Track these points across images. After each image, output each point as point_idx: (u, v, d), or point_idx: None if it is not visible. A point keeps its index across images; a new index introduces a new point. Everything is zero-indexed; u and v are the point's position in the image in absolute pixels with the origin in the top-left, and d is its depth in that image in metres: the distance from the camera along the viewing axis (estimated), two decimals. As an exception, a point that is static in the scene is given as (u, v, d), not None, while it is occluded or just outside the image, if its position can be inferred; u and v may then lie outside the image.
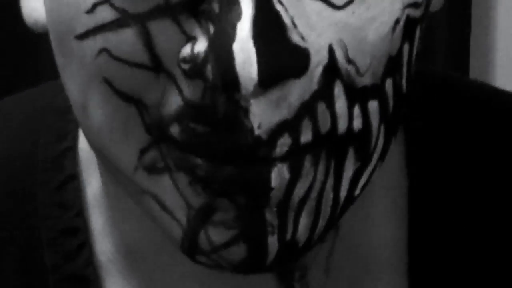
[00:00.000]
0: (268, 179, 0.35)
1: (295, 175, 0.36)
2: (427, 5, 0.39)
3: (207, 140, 0.35)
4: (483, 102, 0.51)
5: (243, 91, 0.32)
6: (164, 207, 0.38)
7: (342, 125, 0.36)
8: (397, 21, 0.36)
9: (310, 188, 0.37)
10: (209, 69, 0.33)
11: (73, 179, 0.46)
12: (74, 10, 0.36)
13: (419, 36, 0.39)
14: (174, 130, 0.36)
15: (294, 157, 0.36)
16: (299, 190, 0.36)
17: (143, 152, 0.37)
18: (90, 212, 0.46)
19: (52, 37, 0.39)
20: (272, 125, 0.34)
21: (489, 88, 0.56)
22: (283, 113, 0.34)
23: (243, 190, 0.36)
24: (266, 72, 0.32)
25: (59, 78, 0.40)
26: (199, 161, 0.35)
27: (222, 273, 0.39)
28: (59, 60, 0.39)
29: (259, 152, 0.35)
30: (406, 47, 0.37)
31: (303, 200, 0.37)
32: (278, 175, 0.35)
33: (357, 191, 0.39)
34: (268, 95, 0.33)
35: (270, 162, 0.35)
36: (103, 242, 0.46)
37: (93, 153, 0.42)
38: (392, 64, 0.37)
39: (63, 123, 0.48)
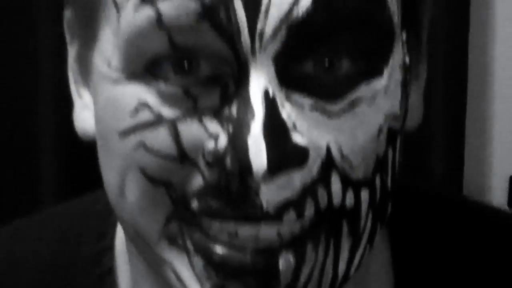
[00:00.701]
0: (276, 266, 0.43)
1: (300, 260, 0.43)
2: (404, 118, 0.48)
3: (222, 212, 0.43)
4: (460, 214, 0.59)
5: (255, 177, 0.40)
6: (179, 279, 0.45)
7: (337, 202, 0.44)
8: (381, 129, 0.44)
9: (312, 269, 0.44)
10: (228, 159, 0.41)
11: (110, 273, 0.55)
12: (120, 113, 0.44)
13: (399, 147, 0.47)
14: (194, 204, 0.44)
15: (297, 244, 0.43)
16: (305, 273, 0.43)
17: (168, 220, 0.44)
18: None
19: (98, 139, 0.48)
20: (278, 203, 0.42)
21: (471, 204, 0.64)
22: (288, 193, 0.42)
23: (254, 276, 0.43)
24: (273, 162, 0.40)
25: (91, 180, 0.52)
26: (216, 248, 0.43)
27: None
28: (102, 156, 0.47)
29: (265, 217, 0.42)
30: (390, 152, 0.46)
31: (307, 281, 0.44)
32: (285, 261, 0.43)
33: (353, 269, 0.46)
34: (275, 179, 0.41)
35: (277, 251, 0.43)
36: None
37: (125, 250, 0.53)
38: (380, 164, 0.45)
39: (103, 226, 0.57)
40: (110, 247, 0.56)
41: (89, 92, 0.51)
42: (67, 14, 0.53)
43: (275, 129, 0.41)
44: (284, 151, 0.41)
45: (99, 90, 0.47)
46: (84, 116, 0.51)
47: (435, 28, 1.23)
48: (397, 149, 0.47)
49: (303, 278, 0.44)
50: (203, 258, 0.44)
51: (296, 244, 0.43)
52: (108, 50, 0.45)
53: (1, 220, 1.23)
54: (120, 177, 0.45)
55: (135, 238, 0.47)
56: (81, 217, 0.59)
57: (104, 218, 0.57)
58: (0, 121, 1.22)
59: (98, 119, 0.47)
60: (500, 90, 1.33)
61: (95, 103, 0.48)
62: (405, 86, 0.47)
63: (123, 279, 0.55)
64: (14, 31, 1.21)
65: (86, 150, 1.30)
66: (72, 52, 0.54)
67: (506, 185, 1.34)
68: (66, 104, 1.22)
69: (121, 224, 0.49)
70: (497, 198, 1.34)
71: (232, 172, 0.41)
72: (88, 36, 0.48)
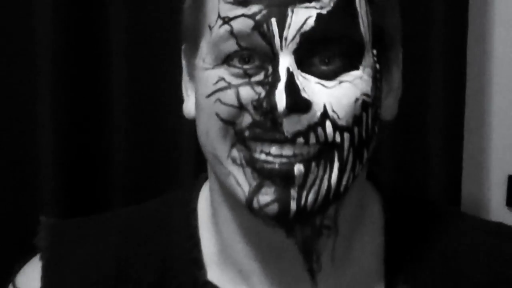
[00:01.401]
0: (292, 172, 0.74)
1: (307, 170, 0.75)
2: (375, 98, 0.78)
3: (261, 136, 0.75)
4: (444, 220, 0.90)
5: (279, 112, 0.72)
6: (237, 182, 0.77)
7: (330, 138, 0.75)
8: (357, 99, 0.75)
9: (315, 179, 0.75)
10: (264, 102, 0.73)
11: (195, 229, 0.87)
12: (208, 83, 0.77)
13: (372, 115, 0.77)
14: (246, 133, 0.76)
15: (305, 161, 0.75)
16: (310, 179, 0.75)
17: (232, 146, 0.76)
18: (202, 233, 0.87)
19: (196, 110, 0.81)
20: (293, 131, 0.74)
21: (458, 215, 0.95)
22: (299, 127, 0.74)
23: (279, 177, 0.74)
24: (289, 104, 0.72)
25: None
26: (258, 160, 0.75)
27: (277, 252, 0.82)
28: (197, 117, 0.81)
29: (285, 142, 0.74)
30: (364, 114, 0.76)
31: (312, 185, 0.75)
32: (298, 169, 0.74)
33: (341, 189, 0.77)
34: (291, 116, 0.73)
35: (293, 162, 0.74)
36: (209, 248, 0.86)
37: (204, 210, 0.87)
38: (357, 119, 0.75)
39: (190, 199, 0.89)
40: (195, 210, 0.88)
41: (193, 88, 0.83)
42: (183, 46, 0.86)
43: (292, 87, 0.73)
44: (296, 99, 0.73)
45: (198, 77, 0.80)
46: (189, 105, 0.85)
47: (434, 28, 1.23)
48: (370, 115, 0.77)
49: (309, 182, 0.75)
50: (251, 168, 0.75)
51: (305, 161, 0.74)
52: (203, 52, 0.79)
53: (1, 219, 1.23)
54: (206, 123, 0.78)
55: (213, 161, 0.79)
56: (170, 199, 0.91)
57: (188, 201, 0.89)
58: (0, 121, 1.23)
59: (196, 96, 0.81)
60: (499, 89, 1.33)
61: (196, 87, 0.81)
62: (375, 79, 0.77)
63: (203, 224, 0.87)
64: (13, 31, 1.21)
65: (85, 150, 1.30)
66: (185, 68, 0.86)
67: (504, 184, 1.34)
68: (65, 104, 1.23)
69: (206, 155, 0.80)
70: (496, 197, 1.34)
71: (266, 109, 0.73)
72: (193, 52, 0.81)
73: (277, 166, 0.74)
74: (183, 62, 0.86)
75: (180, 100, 0.88)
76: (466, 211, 1.28)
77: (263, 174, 0.75)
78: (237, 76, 0.76)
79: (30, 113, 1.20)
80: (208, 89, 0.77)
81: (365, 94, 0.76)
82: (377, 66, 0.78)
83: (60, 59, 1.19)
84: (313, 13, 0.74)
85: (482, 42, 1.31)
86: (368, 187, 0.89)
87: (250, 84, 0.75)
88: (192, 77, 0.83)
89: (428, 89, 1.25)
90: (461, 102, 1.25)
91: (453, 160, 1.25)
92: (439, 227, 0.88)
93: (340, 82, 0.75)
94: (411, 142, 1.27)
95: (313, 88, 0.74)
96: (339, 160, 0.75)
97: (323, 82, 0.74)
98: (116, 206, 1.21)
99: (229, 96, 0.75)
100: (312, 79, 0.74)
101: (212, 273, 0.85)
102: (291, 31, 0.73)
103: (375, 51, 0.78)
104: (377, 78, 0.78)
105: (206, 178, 0.89)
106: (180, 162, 1.22)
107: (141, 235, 0.88)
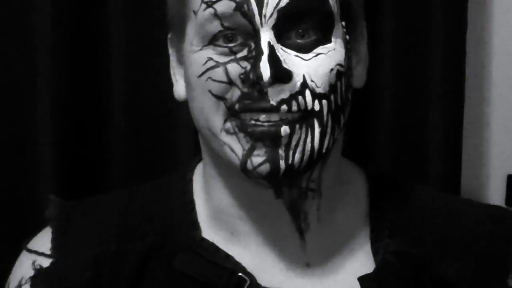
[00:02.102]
0: (280, 132, 0.82)
1: (292, 131, 0.83)
2: (348, 68, 0.87)
3: (250, 107, 0.83)
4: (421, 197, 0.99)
5: (264, 82, 0.81)
6: (232, 150, 0.84)
7: (309, 106, 0.83)
8: (332, 69, 0.84)
9: (299, 140, 0.83)
10: (251, 74, 0.82)
11: (191, 196, 0.96)
12: (197, 64, 0.85)
13: (345, 83, 0.86)
14: (237, 106, 0.83)
15: (291, 123, 0.83)
16: (294, 139, 0.83)
17: (225, 121, 0.84)
18: (197, 200, 0.95)
19: (187, 91, 0.90)
20: (278, 99, 0.82)
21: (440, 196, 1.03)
22: (282, 95, 0.83)
23: (268, 138, 0.82)
24: (273, 74, 0.81)
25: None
26: (249, 124, 0.83)
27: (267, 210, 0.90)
28: (189, 96, 0.89)
29: (272, 109, 0.82)
30: (338, 82, 0.85)
31: (296, 145, 0.83)
32: (284, 130, 0.82)
33: (324, 150, 0.85)
34: (275, 86, 0.82)
35: (280, 124, 0.82)
36: (203, 213, 0.94)
37: (198, 181, 0.97)
38: (332, 87, 0.85)
39: (186, 172, 0.98)
40: (191, 180, 0.97)
41: (181, 73, 0.91)
42: (169, 35, 0.94)
43: (274, 59, 0.81)
44: (278, 69, 0.81)
45: (187, 59, 0.88)
46: (179, 88, 0.93)
47: (433, 26, 1.23)
48: (344, 83, 0.86)
49: (293, 142, 0.83)
50: (243, 133, 0.83)
51: (290, 123, 0.83)
52: (190, 35, 0.87)
53: (1, 219, 1.23)
54: (200, 100, 0.85)
55: (208, 134, 0.86)
56: (170, 176, 1.00)
57: (184, 173, 0.98)
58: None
59: (186, 77, 0.88)
60: (498, 88, 1.33)
61: (185, 71, 0.89)
62: (347, 49, 0.87)
63: (197, 191, 0.96)
64: (12, 29, 1.21)
65: (84, 150, 1.30)
66: (172, 56, 0.94)
67: (503, 183, 1.34)
68: (64, 104, 1.23)
69: (201, 131, 0.88)
70: (495, 196, 1.35)
71: (253, 80, 0.81)
72: (180, 38, 0.89)
73: (266, 128, 0.82)
74: (170, 50, 0.94)
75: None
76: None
77: (254, 137, 0.83)
78: (223, 54, 0.84)
79: (29, 113, 1.20)
80: (199, 70, 0.85)
81: (339, 64, 0.85)
82: (347, 37, 0.87)
83: (59, 58, 1.19)
84: None
85: (481, 40, 1.31)
86: (349, 163, 0.99)
87: (236, 60, 0.83)
88: (180, 62, 0.91)
89: (427, 88, 1.25)
90: (460, 100, 1.25)
91: (452, 160, 1.25)
92: (418, 195, 0.98)
93: (317, 54, 0.84)
94: (410, 140, 1.27)
95: (293, 61, 0.83)
96: (319, 125, 0.84)
97: (301, 55, 0.83)
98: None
99: (218, 73, 0.83)
100: (292, 52, 0.83)
101: (207, 234, 0.93)
102: (269, 9, 0.82)
103: (343, 23, 0.87)
104: (348, 49, 0.87)
105: (200, 158, 0.96)
106: (178, 161, 1.22)
107: (144, 204, 0.97)
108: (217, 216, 0.93)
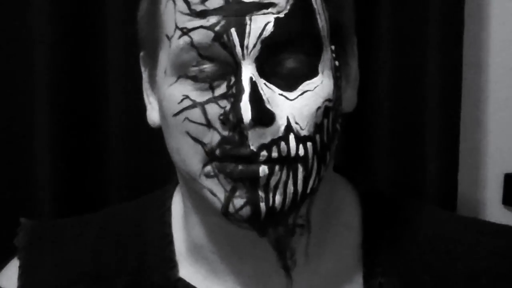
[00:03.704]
0: (257, 172, 0.75)
1: (271, 172, 0.75)
2: (336, 99, 0.79)
3: (230, 153, 0.75)
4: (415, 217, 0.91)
5: (245, 124, 0.73)
6: (212, 193, 0.77)
7: (293, 152, 0.76)
8: (319, 108, 0.76)
9: (278, 182, 0.76)
10: (230, 115, 0.74)
11: (168, 228, 0.89)
12: (173, 103, 0.77)
13: (332, 118, 0.78)
14: (217, 152, 0.76)
15: (270, 163, 0.75)
16: (273, 180, 0.76)
17: (204, 165, 0.77)
18: (176, 232, 0.89)
19: (162, 123, 0.82)
20: (258, 145, 0.75)
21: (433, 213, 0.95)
22: (263, 141, 0.75)
23: (247, 178, 0.75)
24: (255, 115, 0.73)
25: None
26: (229, 166, 0.75)
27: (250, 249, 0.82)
28: (165, 132, 0.81)
29: (252, 157, 0.75)
30: (325, 121, 0.77)
31: (276, 187, 0.76)
32: (263, 170, 0.75)
33: (308, 191, 0.78)
34: (256, 129, 0.74)
35: (259, 164, 0.75)
36: (182, 246, 0.87)
37: (177, 210, 0.89)
38: (318, 127, 0.77)
39: (164, 199, 0.92)
40: (169, 209, 0.90)
41: (155, 97, 0.84)
42: (142, 54, 0.87)
43: (256, 98, 0.73)
44: (260, 111, 0.73)
45: (161, 92, 0.80)
46: (153, 114, 0.85)
47: (430, 27, 1.23)
48: (331, 119, 0.78)
49: (272, 183, 0.75)
50: (224, 174, 0.76)
51: (268, 163, 0.75)
52: (163, 64, 0.79)
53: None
54: (176, 141, 0.78)
55: (186, 177, 0.80)
56: (146, 200, 0.94)
57: (164, 200, 0.91)
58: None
59: (161, 109, 0.81)
60: (495, 87, 1.33)
61: (159, 101, 0.81)
62: (336, 78, 0.79)
63: (175, 224, 0.88)
64: (10, 27, 1.21)
65: (82, 151, 1.30)
66: (145, 76, 0.87)
67: (501, 182, 1.34)
68: (61, 102, 1.23)
69: (178, 170, 0.82)
70: (492, 195, 1.35)
71: (233, 122, 0.74)
72: (153, 61, 0.82)
73: (245, 168, 0.75)
74: (142, 69, 0.87)
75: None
76: (462, 209, 1.29)
77: (234, 177, 0.75)
78: (200, 89, 0.76)
79: (26, 112, 1.20)
80: (174, 108, 0.77)
81: (327, 100, 0.77)
82: (336, 63, 0.79)
83: (56, 56, 1.19)
84: (271, 18, 0.74)
85: (478, 41, 1.31)
86: (342, 184, 0.90)
87: (214, 100, 0.75)
88: (153, 87, 0.83)
89: (424, 87, 1.25)
90: (457, 100, 1.25)
91: (449, 159, 1.26)
92: (415, 222, 0.90)
93: (302, 92, 0.76)
94: (407, 140, 1.27)
95: (277, 101, 0.75)
96: (304, 170, 0.76)
97: (286, 93, 0.75)
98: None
99: (196, 114, 0.76)
100: (276, 90, 0.75)
101: (186, 271, 0.86)
102: (251, 39, 0.74)
103: (333, 47, 0.79)
104: (338, 77, 0.79)
105: (177, 182, 0.90)
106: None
107: (118, 234, 0.90)
108: (196, 252, 0.86)
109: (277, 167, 0.75)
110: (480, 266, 0.87)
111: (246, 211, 0.76)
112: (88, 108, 1.23)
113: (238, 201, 0.76)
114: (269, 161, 0.75)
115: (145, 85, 0.86)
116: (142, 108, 1.21)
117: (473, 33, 1.30)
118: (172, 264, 0.86)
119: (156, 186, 1.20)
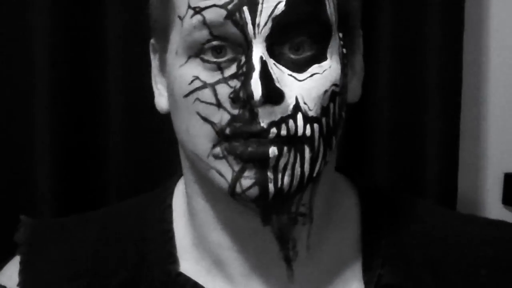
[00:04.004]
0: (267, 153, 0.76)
1: (280, 153, 0.76)
2: (343, 86, 0.80)
3: (241, 130, 0.76)
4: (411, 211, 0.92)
5: (255, 101, 0.74)
6: (220, 173, 0.78)
7: (300, 131, 0.77)
8: (326, 91, 0.78)
9: (287, 163, 0.77)
10: (241, 92, 0.75)
11: (169, 225, 0.89)
12: (183, 83, 0.78)
13: (339, 104, 0.79)
14: (227, 131, 0.76)
15: (278, 144, 0.76)
16: (282, 162, 0.76)
17: (214, 146, 0.77)
18: (178, 227, 0.89)
19: (170, 105, 0.82)
20: (268, 122, 0.76)
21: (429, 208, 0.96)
22: (273, 118, 0.76)
23: (257, 159, 0.76)
24: (264, 93, 0.74)
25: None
26: (239, 148, 0.76)
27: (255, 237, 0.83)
28: (174, 115, 0.82)
29: (262, 134, 0.76)
30: (331, 104, 0.78)
31: (285, 168, 0.77)
32: (272, 151, 0.76)
33: (314, 174, 0.79)
34: (266, 107, 0.75)
35: (268, 145, 0.76)
36: (184, 241, 0.88)
37: (179, 205, 0.90)
38: (324, 110, 0.78)
39: (165, 196, 0.92)
40: (170, 206, 0.90)
41: (164, 84, 0.84)
42: (152, 41, 0.87)
43: (266, 77, 0.74)
44: (271, 89, 0.74)
45: (171, 74, 0.80)
46: (161, 100, 0.86)
47: (430, 28, 1.23)
48: (337, 104, 0.79)
49: (281, 165, 0.76)
50: (233, 155, 0.76)
51: (278, 144, 0.76)
52: (175, 44, 0.79)
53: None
54: (186, 121, 0.79)
55: (194, 158, 0.80)
56: (148, 197, 0.94)
57: (164, 198, 0.91)
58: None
59: (170, 91, 0.81)
60: (495, 87, 1.33)
61: (169, 84, 0.82)
62: (343, 65, 0.80)
63: (177, 222, 0.89)
64: (10, 27, 1.21)
65: (82, 148, 1.30)
66: (154, 63, 0.87)
67: (501, 182, 1.34)
68: (61, 102, 1.23)
69: (186, 152, 0.82)
70: (492, 195, 1.35)
71: (243, 99, 0.74)
72: (164, 45, 0.82)
73: (254, 149, 0.76)
74: (152, 57, 0.87)
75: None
76: (462, 209, 1.29)
77: (244, 158, 0.76)
78: (211, 70, 0.77)
79: (26, 112, 1.20)
80: (185, 89, 0.78)
81: (334, 84, 0.78)
82: (344, 50, 0.80)
83: (57, 57, 1.19)
84: None
85: (478, 41, 1.31)
86: (341, 179, 0.91)
87: (224, 80, 0.76)
88: (163, 71, 0.84)
89: (424, 87, 1.25)
90: (457, 100, 1.25)
91: (449, 158, 1.26)
92: (413, 215, 0.91)
93: (312, 74, 0.77)
94: (407, 139, 1.27)
95: (286, 80, 0.76)
96: (310, 151, 0.77)
97: (295, 74, 0.76)
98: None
99: (206, 95, 0.77)
100: (285, 70, 0.76)
101: (188, 266, 0.87)
102: (263, 17, 0.75)
103: (341, 35, 0.80)
104: (345, 64, 0.80)
105: (179, 176, 0.91)
106: (178, 160, 1.22)
107: (118, 232, 0.90)
108: (200, 244, 0.86)
109: (285, 148, 0.76)
110: (479, 258, 0.88)
111: (254, 191, 0.76)
112: (88, 108, 1.23)
113: (246, 182, 0.76)
114: (278, 140, 0.76)
115: (154, 71, 0.87)
116: (142, 108, 1.22)
117: (473, 33, 1.30)
118: (172, 259, 0.87)
119: (156, 185, 1.20)
